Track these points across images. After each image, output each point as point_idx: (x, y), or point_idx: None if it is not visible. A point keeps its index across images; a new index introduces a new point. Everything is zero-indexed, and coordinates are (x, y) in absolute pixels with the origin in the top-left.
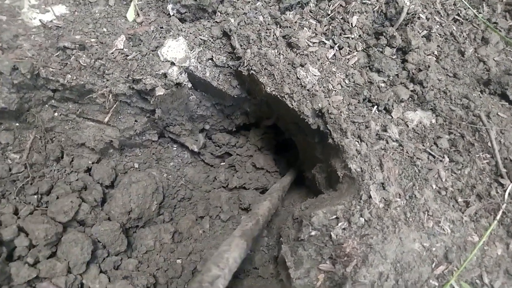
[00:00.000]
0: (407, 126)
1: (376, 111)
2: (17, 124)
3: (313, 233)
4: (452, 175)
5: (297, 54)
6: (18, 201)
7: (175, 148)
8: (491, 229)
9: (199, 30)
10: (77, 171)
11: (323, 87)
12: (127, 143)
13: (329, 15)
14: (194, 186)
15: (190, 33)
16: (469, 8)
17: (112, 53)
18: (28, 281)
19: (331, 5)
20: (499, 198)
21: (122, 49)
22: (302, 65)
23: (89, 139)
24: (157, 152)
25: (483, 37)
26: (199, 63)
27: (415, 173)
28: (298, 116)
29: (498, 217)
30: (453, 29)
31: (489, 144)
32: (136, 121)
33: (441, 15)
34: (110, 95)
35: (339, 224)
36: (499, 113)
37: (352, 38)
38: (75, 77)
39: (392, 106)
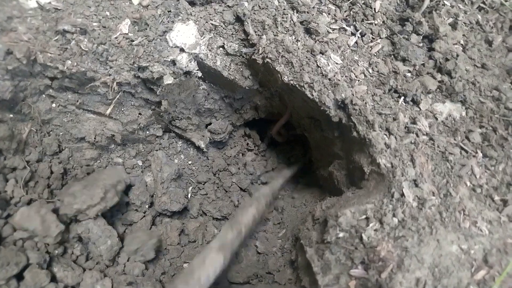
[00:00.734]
0: (436, 118)
1: (403, 102)
2: (11, 115)
3: (341, 234)
4: (486, 171)
5: (316, 41)
6: None
7: (180, 145)
8: None
9: (210, 14)
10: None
11: (345, 76)
12: (130, 138)
13: None
14: None
15: (200, 17)
16: None
17: (116, 37)
18: None
19: None
20: None
21: (126, 33)
22: (322, 53)
23: (89, 133)
24: (161, 148)
25: (511, 26)
26: (210, 50)
27: (448, 169)
28: (318, 108)
29: None
30: (479, 18)
31: None
32: (140, 114)
33: (465, 3)
34: (114, 84)
35: (370, 225)
36: None
37: (375, 24)
38: (75, 63)
39: (420, 98)
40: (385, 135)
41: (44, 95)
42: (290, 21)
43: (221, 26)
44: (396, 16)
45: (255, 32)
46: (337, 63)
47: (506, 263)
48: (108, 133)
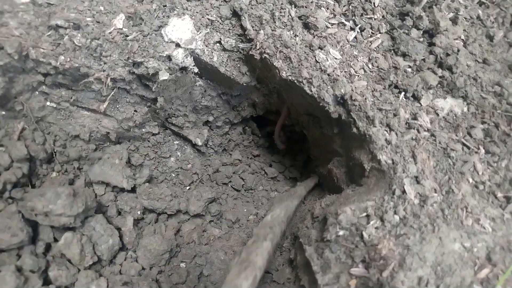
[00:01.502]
0: (437, 114)
1: (403, 98)
2: (3, 112)
3: (341, 232)
4: (488, 168)
5: (315, 36)
6: None
7: (177, 143)
8: None
9: (206, 9)
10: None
11: (345, 71)
12: (125, 136)
13: None
14: None
15: (197, 12)
16: None
17: (110, 33)
18: None
19: None
20: None
21: (121, 28)
22: (321, 48)
23: (84, 130)
24: (157, 145)
25: None
26: (206, 46)
27: (450, 166)
28: (316, 104)
29: None
30: (479, 13)
31: None
32: (135, 111)
33: None
34: (108, 80)
35: (371, 223)
36: None
37: (375, 19)
38: (68, 59)
39: (421, 93)
40: (386, 131)
41: (37, 92)
42: (288, 16)
43: (218, 21)
44: (396, 11)
45: (253, 27)
46: (336, 58)
47: (510, 261)
48: (103, 130)
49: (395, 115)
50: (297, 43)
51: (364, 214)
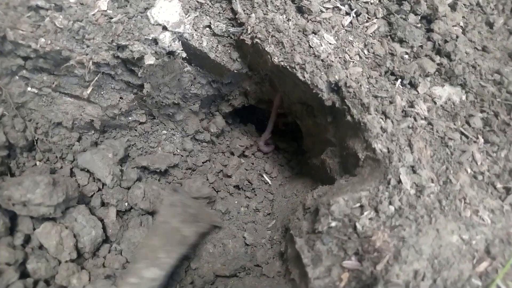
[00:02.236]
0: (435, 102)
1: (400, 85)
2: None
3: (333, 224)
4: (487, 158)
5: (308, 20)
6: None
7: (165, 132)
8: None
9: None
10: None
11: (339, 57)
12: (111, 124)
13: None
14: None
15: None
16: None
17: (94, 14)
18: None
19: None
20: None
21: (105, 10)
22: (315, 33)
23: (67, 117)
24: (145, 135)
25: None
26: (195, 30)
27: (448, 155)
28: (310, 91)
29: None
30: None
31: None
32: (121, 98)
33: None
34: (91, 63)
35: (365, 213)
36: None
37: (371, 4)
38: (49, 42)
39: (418, 81)
40: (381, 118)
41: (17, 77)
42: None
43: (207, 4)
44: None
45: (244, 10)
46: (330, 44)
47: (510, 254)
48: (87, 118)
49: (391, 102)
50: (290, 28)
51: (358, 204)
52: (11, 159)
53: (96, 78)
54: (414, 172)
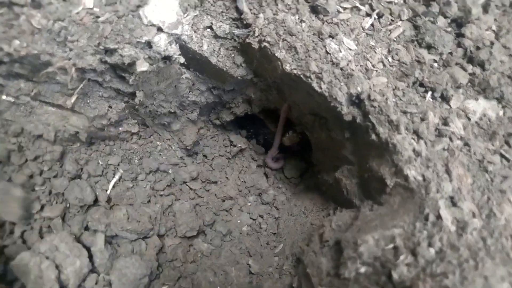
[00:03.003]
0: (469, 119)
1: (430, 98)
2: None
3: (362, 269)
4: None
5: (324, 22)
6: None
7: (159, 144)
8: None
9: None
10: None
11: (360, 65)
12: (99, 135)
13: None
14: None
15: None
16: None
17: (78, 13)
18: None
19: None
20: None
21: (91, 8)
22: (332, 36)
23: (48, 129)
24: (137, 147)
25: None
26: (195, 32)
27: (488, 183)
28: (326, 104)
29: None
30: None
31: None
32: (110, 107)
33: None
34: (73, 70)
35: (401, 258)
36: None
37: (395, 4)
38: (25, 44)
39: (450, 93)
40: (413, 139)
41: None
42: None
43: (209, 1)
44: None
45: (250, 9)
46: (350, 49)
47: None
48: (71, 129)
49: (422, 119)
50: (303, 30)
51: (391, 245)
52: None
53: (81, 85)
54: (454, 204)
